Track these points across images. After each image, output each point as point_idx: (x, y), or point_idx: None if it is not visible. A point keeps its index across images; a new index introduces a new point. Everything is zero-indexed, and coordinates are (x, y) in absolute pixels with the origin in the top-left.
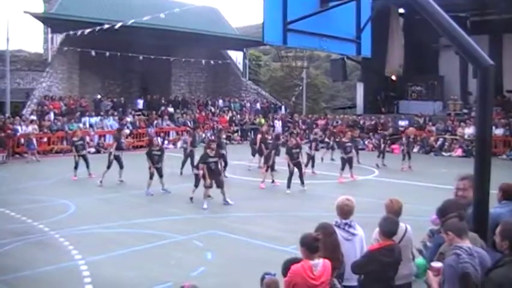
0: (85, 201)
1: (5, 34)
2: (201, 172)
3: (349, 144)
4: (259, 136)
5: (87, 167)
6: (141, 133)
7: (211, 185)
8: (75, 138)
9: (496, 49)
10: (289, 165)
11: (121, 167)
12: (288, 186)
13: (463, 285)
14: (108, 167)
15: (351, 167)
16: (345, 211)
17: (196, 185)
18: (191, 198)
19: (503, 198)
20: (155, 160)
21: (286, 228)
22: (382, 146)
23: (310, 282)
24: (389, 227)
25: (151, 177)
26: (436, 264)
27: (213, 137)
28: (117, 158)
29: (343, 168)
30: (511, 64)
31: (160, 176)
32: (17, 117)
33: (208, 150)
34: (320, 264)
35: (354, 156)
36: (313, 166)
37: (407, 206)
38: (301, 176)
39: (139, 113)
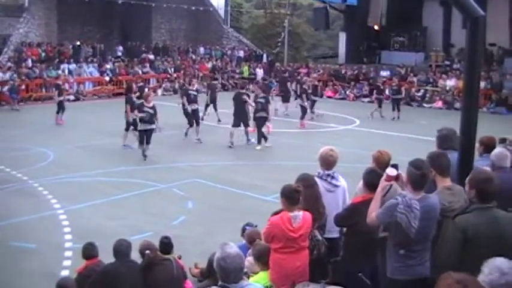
0: (64, 149)
1: None
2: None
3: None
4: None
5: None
6: (121, 80)
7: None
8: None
9: (481, 1)
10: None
11: (197, 123)
12: (259, 142)
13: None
14: (190, 124)
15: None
16: (328, 162)
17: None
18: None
19: (484, 151)
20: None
21: (267, 177)
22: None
23: (289, 234)
24: (373, 180)
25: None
26: (391, 173)
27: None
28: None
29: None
30: (494, 17)
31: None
32: None
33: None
34: (300, 216)
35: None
36: (302, 118)
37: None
38: (260, 134)
39: (119, 60)
